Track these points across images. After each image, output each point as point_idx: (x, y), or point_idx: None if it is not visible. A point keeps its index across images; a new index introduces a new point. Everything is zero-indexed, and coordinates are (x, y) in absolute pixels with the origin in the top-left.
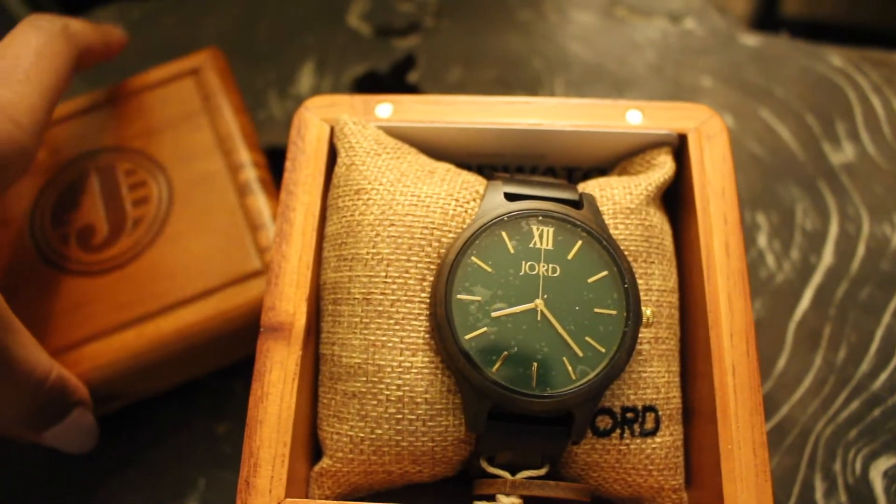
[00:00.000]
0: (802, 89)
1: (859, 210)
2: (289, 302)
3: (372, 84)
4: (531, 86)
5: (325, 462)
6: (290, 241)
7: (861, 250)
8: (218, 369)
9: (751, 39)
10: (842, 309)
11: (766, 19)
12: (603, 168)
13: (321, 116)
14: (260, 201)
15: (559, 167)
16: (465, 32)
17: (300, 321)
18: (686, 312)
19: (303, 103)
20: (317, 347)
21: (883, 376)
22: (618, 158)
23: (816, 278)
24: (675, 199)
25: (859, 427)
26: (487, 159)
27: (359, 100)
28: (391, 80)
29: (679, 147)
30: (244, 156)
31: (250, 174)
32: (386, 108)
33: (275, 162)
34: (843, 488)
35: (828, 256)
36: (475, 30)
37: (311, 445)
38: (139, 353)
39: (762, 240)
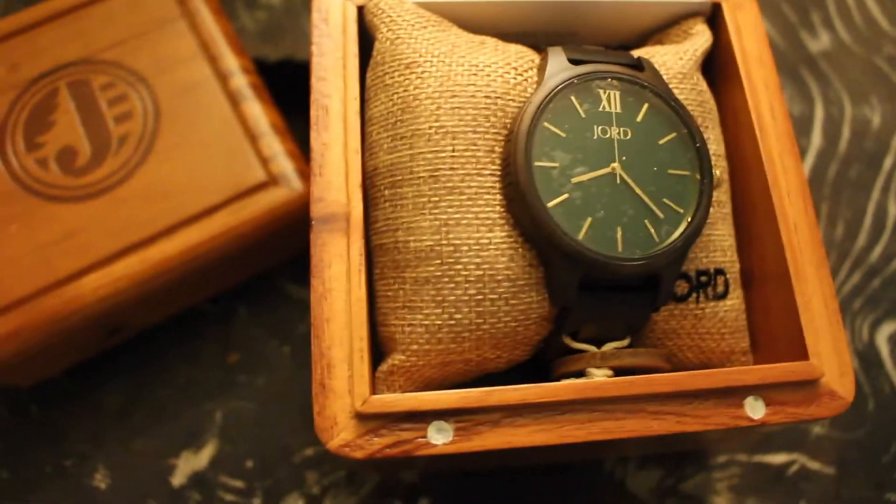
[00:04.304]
0: None
1: (840, 94)
2: (338, 191)
3: None
4: None
5: (395, 358)
6: (329, 129)
7: (846, 132)
8: (222, 293)
9: None
10: (835, 188)
11: None
12: (631, 45)
13: None
14: (255, 109)
15: (591, 44)
16: None
17: (357, 209)
18: (737, 177)
19: None
20: (367, 240)
21: (878, 249)
22: (650, 32)
23: (809, 160)
24: (708, 69)
25: (862, 297)
26: (519, 38)
27: None
28: None
29: (710, 18)
30: (231, 62)
31: (240, 81)
32: None
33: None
34: (854, 356)
35: (816, 139)
36: None
37: (370, 347)
38: (144, 280)
39: None
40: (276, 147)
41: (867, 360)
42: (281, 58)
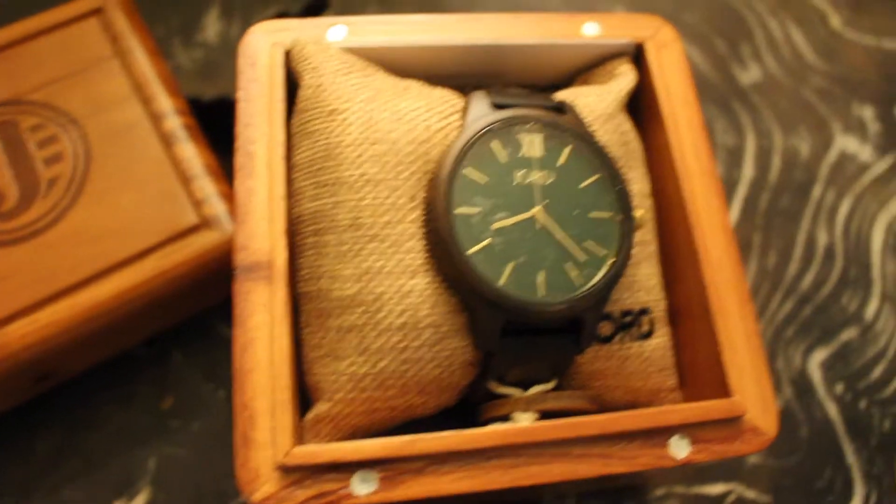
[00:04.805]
0: (708, 15)
1: (770, 125)
2: (262, 239)
3: None
4: None
5: (321, 407)
6: (254, 175)
7: (776, 162)
8: (155, 336)
9: None
10: (767, 217)
11: None
12: (558, 85)
13: (271, 42)
14: (189, 150)
15: (515, 86)
16: None
17: (280, 257)
18: (661, 216)
19: (248, 30)
20: (292, 288)
21: (809, 277)
22: (576, 72)
23: (741, 190)
24: (634, 108)
25: (794, 325)
26: (446, 81)
27: (309, 23)
28: None
29: (635, 57)
30: (165, 103)
31: (174, 122)
32: (340, 30)
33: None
34: (787, 383)
35: (748, 170)
36: None
37: (296, 395)
38: (74, 325)
39: None
40: (208, 189)
41: (800, 387)
42: (217, 96)
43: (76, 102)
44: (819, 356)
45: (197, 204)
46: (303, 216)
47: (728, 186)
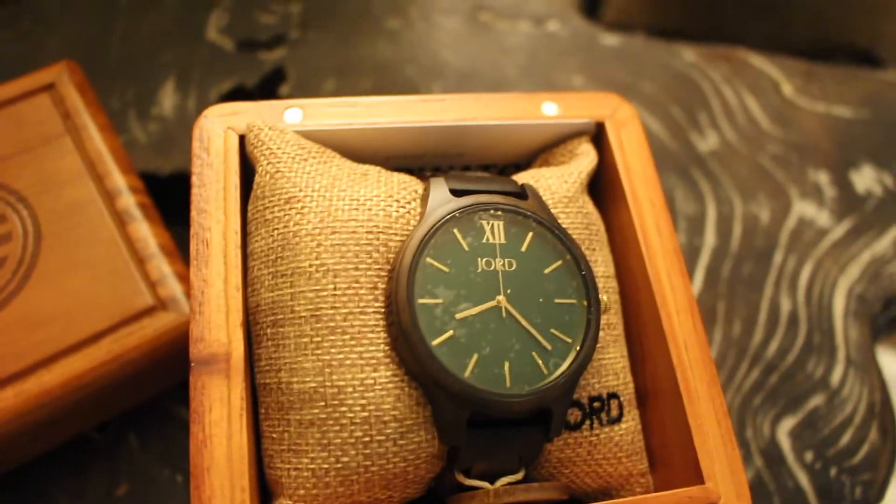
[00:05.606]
0: (664, 84)
1: (730, 193)
2: (219, 330)
3: (242, 99)
4: (409, 93)
5: (282, 503)
6: (209, 264)
7: (737, 230)
8: (112, 418)
9: (611, 39)
10: (730, 285)
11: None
12: (518, 164)
13: (225, 125)
14: (143, 229)
15: (475, 165)
16: (333, 43)
17: (238, 350)
18: (626, 297)
19: (202, 113)
20: (252, 379)
21: (774, 344)
22: (536, 151)
23: (704, 259)
24: (594, 186)
25: (762, 394)
26: (405, 161)
27: (265, 106)
28: (261, 94)
29: (594, 136)
30: (119, 180)
31: (128, 200)
32: (295, 112)
33: (147, 189)
34: (757, 453)
35: (710, 238)
36: (343, 40)
37: (257, 489)
38: (21, 414)
39: None
40: (164, 269)
41: (770, 456)
42: (174, 170)
43: (26, 180)
44: (787, 424)
45: (152, 285)
46: (261, 306)
47: (690, 255)
